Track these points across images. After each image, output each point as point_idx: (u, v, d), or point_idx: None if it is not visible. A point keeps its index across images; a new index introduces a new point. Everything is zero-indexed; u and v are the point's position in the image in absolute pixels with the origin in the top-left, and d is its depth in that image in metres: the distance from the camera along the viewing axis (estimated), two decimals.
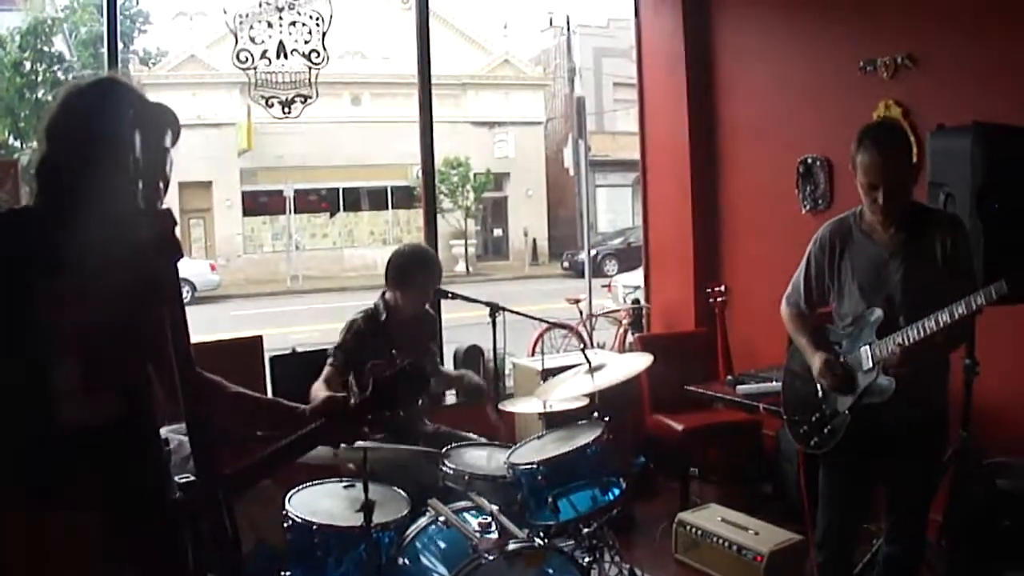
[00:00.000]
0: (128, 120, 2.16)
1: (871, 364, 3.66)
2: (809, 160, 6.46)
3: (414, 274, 4.91)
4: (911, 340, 3.46)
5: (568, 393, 4.72)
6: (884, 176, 3.51)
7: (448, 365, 7.05)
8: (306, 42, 6.14)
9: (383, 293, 5.02)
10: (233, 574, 1.95)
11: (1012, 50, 5.07)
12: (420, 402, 5.06)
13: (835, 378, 3.76)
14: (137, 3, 32.37)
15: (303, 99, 6.19)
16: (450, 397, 6.76)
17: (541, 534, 3.84)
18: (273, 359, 5.94)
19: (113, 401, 2.30)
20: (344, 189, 33.12)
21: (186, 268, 23.96)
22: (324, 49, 6.17)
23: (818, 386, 3.89)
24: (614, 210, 36.74)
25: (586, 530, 4.42)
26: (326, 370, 4.79)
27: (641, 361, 4.86)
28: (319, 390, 4.59)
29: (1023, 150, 4.17)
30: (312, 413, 2.62)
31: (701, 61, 7.36)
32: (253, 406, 2.68)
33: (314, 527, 3.78)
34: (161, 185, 1.84)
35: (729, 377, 5.80)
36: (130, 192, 1.84)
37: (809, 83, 6.46)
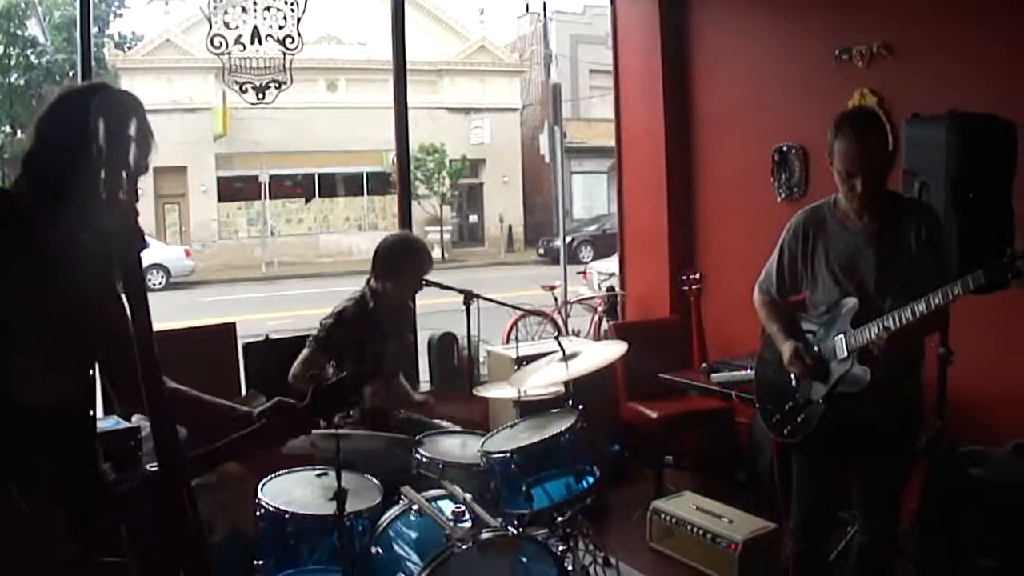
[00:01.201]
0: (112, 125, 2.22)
1: (845, 353, 3.66)
2: (784, 148, 6.47)
3: (406, 263, 4.88)
4: (887, 329, 3.46)
5: (543, 381, 4.72)
6: (862, 163, 3.50)
7: (422, 352, 7.02)
8: (280, 27, 6.09)
9: (368, 280, 4.98)
10: (198, 564, 1.95)
11: (988, 39, 5.08)
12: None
13: (805, 366, 3.76)
14: None
15: (277, 85, 6.15)
16: (424, 385, 6.77)
17: (515, 522, 3.84)
18: (246, 346, 5.92)
19: (67, 386, 2.33)
20: (320, 175, 33.10)
21: (161, 253, 23.96)
22: (299, 35, 6.13)
23: (791, 375, 3.89)
24: (589, 197, 36.82)
25: (560, 519, 4.41)
26: (305, 353, 4.79)
27: (615, 349, 4.86)
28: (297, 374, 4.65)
29: (998, 139, 4.17)
30: (259, 416, 2.66)
31: (677, 48, 7.35)
32: (196, 405, 2.69)
33: (287, 515, 3.76)
34: (124, 174, 1.82)
35: (704, 365, 5.81)
36: (111, 189, 1.83)
37: (785, 71, 6.46)
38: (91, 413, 2.47)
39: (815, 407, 3.77)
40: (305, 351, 4.79)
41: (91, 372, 2.45)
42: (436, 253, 29.36)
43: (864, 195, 3.56)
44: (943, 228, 3.65)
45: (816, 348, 3.79)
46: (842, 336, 3.67)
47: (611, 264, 13.01)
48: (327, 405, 2.73)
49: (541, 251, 31.26)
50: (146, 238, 1.84)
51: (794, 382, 3.88)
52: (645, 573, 5.20)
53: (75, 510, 2.25)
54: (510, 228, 35.24)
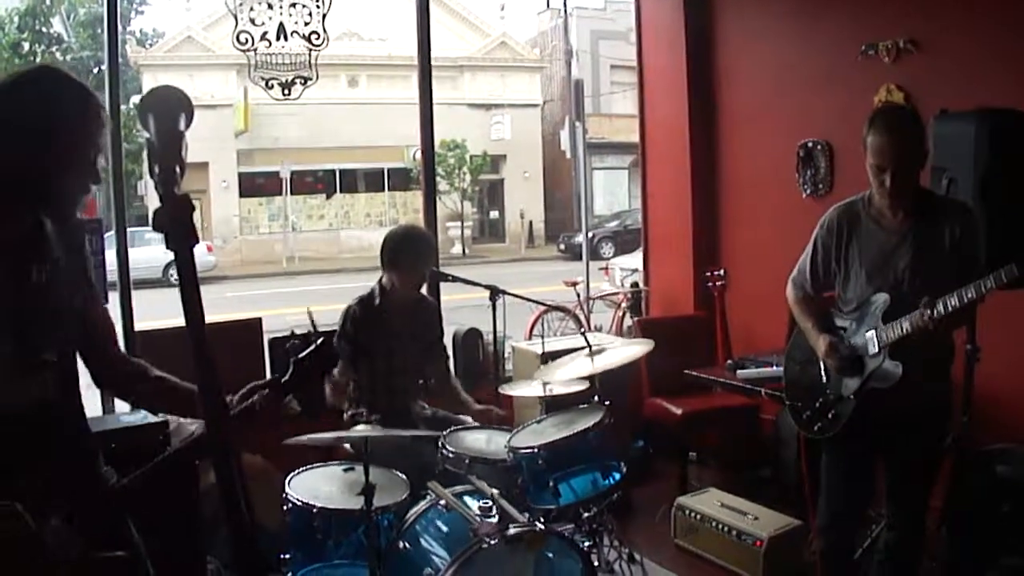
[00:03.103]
0: (60, 113, 2.23)
1: (877, 349, 3.64)
2: (810, 144, 6.44)
3: (407, 252, 4.89)
4: (922, 319, 3.43)
5: (570, 375, 4.72)
6: (892, 158, 3.49)
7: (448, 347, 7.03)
8: (306, 23, 6.09)
9: (380, 278, 5.00)
10: (248, 556, 1.96)
11: (1015, 35, 5.05)
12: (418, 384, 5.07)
13: (841, 359, 3.74)
14: None
15: (303, 81, 6.15)
16: None
17: (541, 518, 3.83)
18: (272, 341, 5.93)
19: (43, 383, 2.30)
20: (341, 171, 33.14)
21: None
22: (324, 31, 6.13)
23: (822, 371, 3.88)
24: (610, 193, 36.75)
25: (586, 514, 4.41)
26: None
27: (641, 348, 4.86)
28: (330, 397, 4.59)
29: None
30: (240, 399, 2.60)
31: (701, 44, 7.33)
32: (174, 392, 2.65)
33: (314, 510, 3.78)
34: (177, 169, 1.82)
35: (729, 361, 5.79)
36: (166, 184, 1.83)
37: (810, 66, 6.43)
38: (78, 411, 2.45)
39: (846, 403, 3.75)
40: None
41: (71, 368, 2.42)
42: (456, 249, 29.61)
43: (894, 190, 3.55)
44: (977, 226, 3.63)
45: (848, 343, 3.78)
46: (873, 332, 3.65)
47: (633, 260, 13.00)
48: (307, 374, 2.66)
49: (561, 247, 31.20)
50: (198, 234, 1.84)
51: (824, 378, 3.87)
52: (670, 569, 5.18)
53: (71, 512, 2.23)
54: (531, 224, 35.23)
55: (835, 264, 3.85)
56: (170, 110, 1.86)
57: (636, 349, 4.87)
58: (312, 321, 3.28)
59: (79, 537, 2.21)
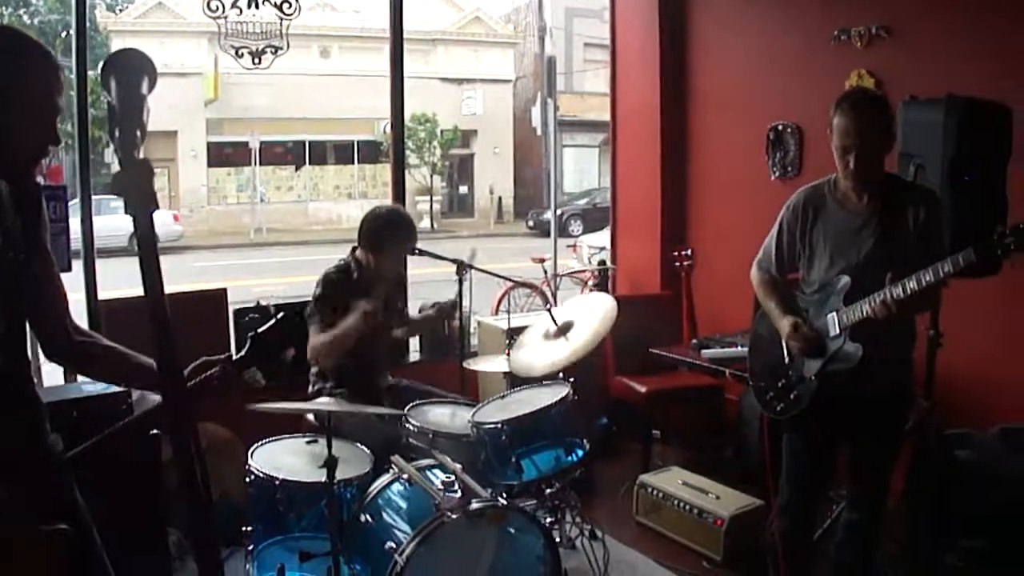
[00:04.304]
0: (17, 71, 2.20)
1: (837, 331, 3.67)
2: (780, 127, 6.46)
3: (389, 238, 4.85)
4: (882, 302, 3.46)
5: (544, 360, 4.71)
6: (855, 139, 3.51)
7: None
8: None
9: (353, 250, 4.96)
10: (204, 528, 1.95)
11: (987, 23, 5.08)
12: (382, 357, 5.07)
13: (804, 341, 3.76)
14: None
15: (273, 50, 6.11)
16: (414, 354, 6.77)
17: (504, 493, 3.82)
18: (237, 312, 5.91)
19: None
20: (310, 142, 33.00)
21: None
22: (296, 0, 6.09)
23: (784, 352, 3.90)
24: (580, 171, 36.74)
25: (548, 490, 4.42)
26: (312, 331, 4.74)
27: (603, 303, 4.87)
28: (327, 336, 4.61)
29: (995, 123, 4.18)
30: (191, 373, 2.57)
31: (675, 25, 7.32)
32: (125, 362, 2.62)
33: (277, 482, 3.78)
34: (138, 133, 1.80)
35: (694, 341, 5.82)
36: (126, 148, 1.81)
37: (782, 50, 6.45)
38: (26, 378, 2.41)
39: (808, 384, 3.78)
40: (311, 331, 4.74)
41: (20, 336, 2.39)
42: (425, 223, 29.61)
43: (857, 172, 3.57)
44: (941, 211, 3.66)
45: (811, 325, 3.80)
46: (834, 314, 3.67)
47: (601, 238, 13.02)
48: (267, 349, 2.66)
49: (530, 223, 31.25)
50: (158, 200, 1.82)
51: (787, 360, 3.89)
52: (631, 546, 5.22)
53: (17, 482, 2.23)
54: (500, 200, 35.24)
55: (800, 246, 3.86)
56: (133, 73, 1.84)
57: (598, 310, 4.86)
58: (269, 309, 3.28)
59: (24, 506, 2.20)
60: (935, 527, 4.34)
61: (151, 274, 1.79)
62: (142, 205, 1.77)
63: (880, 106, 3.64)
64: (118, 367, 2.65)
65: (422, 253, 5.04)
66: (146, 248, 1.78)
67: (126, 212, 1.78)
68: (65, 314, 2.55)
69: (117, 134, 1.79)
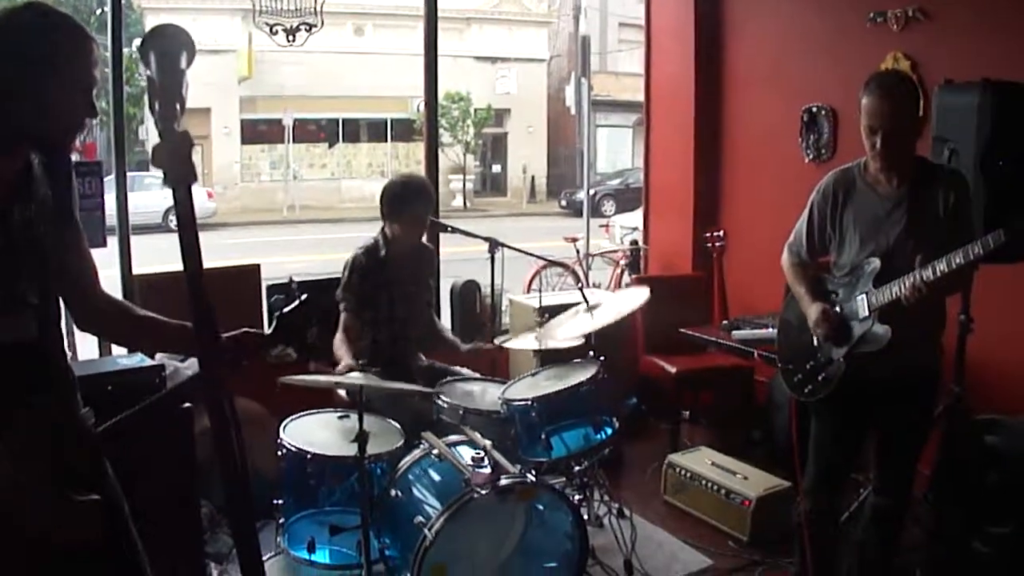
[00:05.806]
0: (55, 44, 2.21)
1: (867, 312, 3.66)
2: (814, 109, 6.44)
3: (408, 202, 4.88)
4: (912, 286, 3.45)
5: (569, 333, 4.73)
6: (883, 119, 3.49)
7: (444, 299, 7.03)
8: None
9: (382, 228, 5.00)
10: (241, 500, 1.98)
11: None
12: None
13: (830, 328, 3.75)
14: None
15: (308, 27, 6.13)
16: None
17: (533, 470, 3.85)
18: (271, 288, 5.95)
19: (24, 324, 2.28)
20: (343, 120, 33.01)
21: None
22: None
23: (813, 336, 3.90)
24: (614, 151, 36.64)
25: (577, 468, 4.46)
26: (342, 318, 4.79)
27: (638, 296, 4.87)
28: (340, 345, 4.62)
29: None
30: (227, 341, 2.57)
31: (709, 5, 7.29)
32: (161, 329, 2.65)
33: (308, 456, 3.82)
34: (178, 107, 1.83)
35: (725, 322, 5.82)
36: (166, 120, 1.83)
37: (818, 32, 6.42)
38: (58, 350, 2.43)
39: (836, 366, 3.77)
40: (342, 317, 4.79)
41: (53, 309, 2.40)
42: (458, 202, 29.64)
43: (884, 152, 3.55)
44: (970, 197, 3.64)
45: (839, 309, 3.79)
46: (864, 296, 3.67)
47: (634, 218, 13.00)
48: (293, 329, 2.69)
49: (563, 203, 31.20)
50: (197, 172, 1.85)
51: (816, 342, 3.88)
52: (658, 525, 5.24)
53: (49, 453, 2.25)
54: (532, 179, 35.18)
55: (830, 229, 3.85)
56: (172, 48, 1.87)
57: (632, 300, 4.87)
58: (295, 290, 3.29)
59: (55, 479, 2.23)
60: (962, 513, 4.33)
61: (189, 243, 1.82)
62: (181, 177, 1.80)
63: (908, 88, 3.62)
64: (152, 332, 2.68)
65: (454, 231, 5.06)
66: (184, 220, 1.81)
67: (164, 184, 1.81)
68: (96, 283, 2.58)
69: (157, 107, 1.81)
